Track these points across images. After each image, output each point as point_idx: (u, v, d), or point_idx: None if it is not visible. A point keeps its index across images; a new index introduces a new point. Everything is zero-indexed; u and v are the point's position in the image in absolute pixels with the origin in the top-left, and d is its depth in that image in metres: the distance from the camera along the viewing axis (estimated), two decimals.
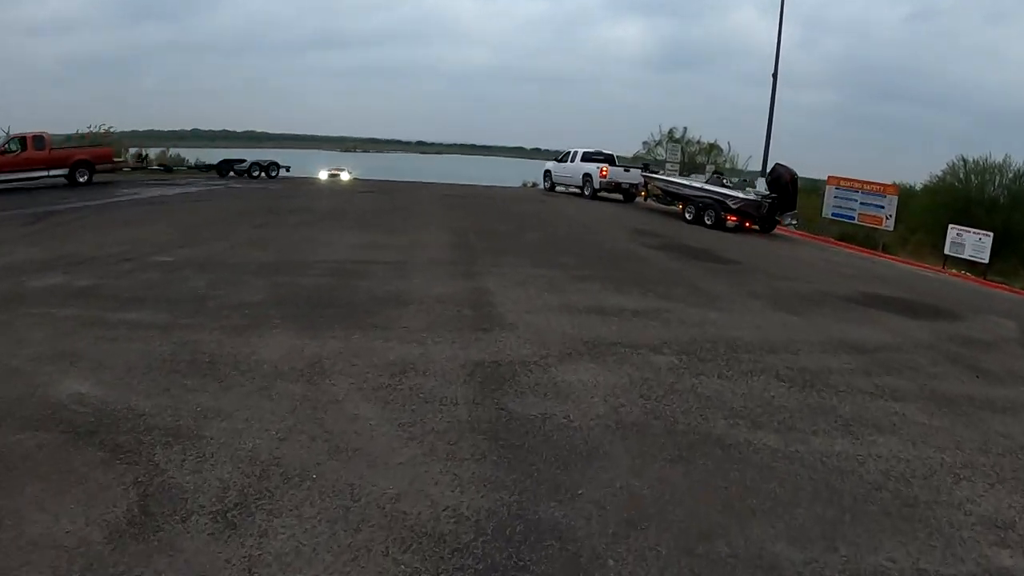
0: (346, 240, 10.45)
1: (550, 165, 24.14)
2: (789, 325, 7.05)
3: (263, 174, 25.89)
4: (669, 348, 5.77)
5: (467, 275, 8.22)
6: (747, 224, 16.47)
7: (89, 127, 28.29)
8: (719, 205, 16.57)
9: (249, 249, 9.58)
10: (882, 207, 17.75)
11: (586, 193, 21.21)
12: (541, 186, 24.76)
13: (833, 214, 18.89)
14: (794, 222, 18.35)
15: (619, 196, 21.11)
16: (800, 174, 17.52)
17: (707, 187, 17.26)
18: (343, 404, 4.25)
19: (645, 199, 20.06)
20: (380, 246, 10.05)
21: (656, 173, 20.08)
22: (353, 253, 9.42)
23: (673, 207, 18.49)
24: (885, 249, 17.94)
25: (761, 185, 17.52)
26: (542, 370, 5.00)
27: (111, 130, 29.43)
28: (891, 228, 17.88)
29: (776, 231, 17.54)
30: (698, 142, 35.05)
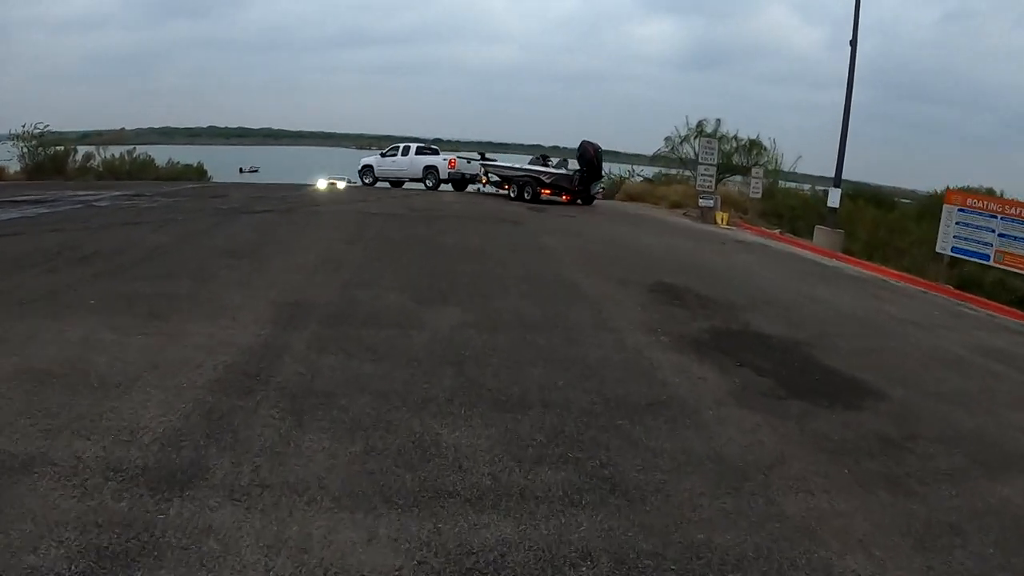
0: (36, 351, 4.84)
1: (371, 160, 24.32)
2: None
3: None
4: None
5: None
6: (564, 197, 18.46)
7: (24, 126, 25.09)
8: (535, 182, 18.64)
9: None
10: None
11: (428, 184, 22.38)
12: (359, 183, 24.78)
13: (954, 250, 12.72)
14: (601, 187, 20.59)
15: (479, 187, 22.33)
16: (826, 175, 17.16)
17: (526, 167, 19.53)
18: None
19: (485, 185, 21.20)
20: (60, 380, 4.37)
21: (492, 161, 21.32)
22: None
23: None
24: None
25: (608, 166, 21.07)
26: None
27: (48, 129, 26.22)
28: None
29: (769, 238, 11.53)
30: (735, 138, 28.77)
